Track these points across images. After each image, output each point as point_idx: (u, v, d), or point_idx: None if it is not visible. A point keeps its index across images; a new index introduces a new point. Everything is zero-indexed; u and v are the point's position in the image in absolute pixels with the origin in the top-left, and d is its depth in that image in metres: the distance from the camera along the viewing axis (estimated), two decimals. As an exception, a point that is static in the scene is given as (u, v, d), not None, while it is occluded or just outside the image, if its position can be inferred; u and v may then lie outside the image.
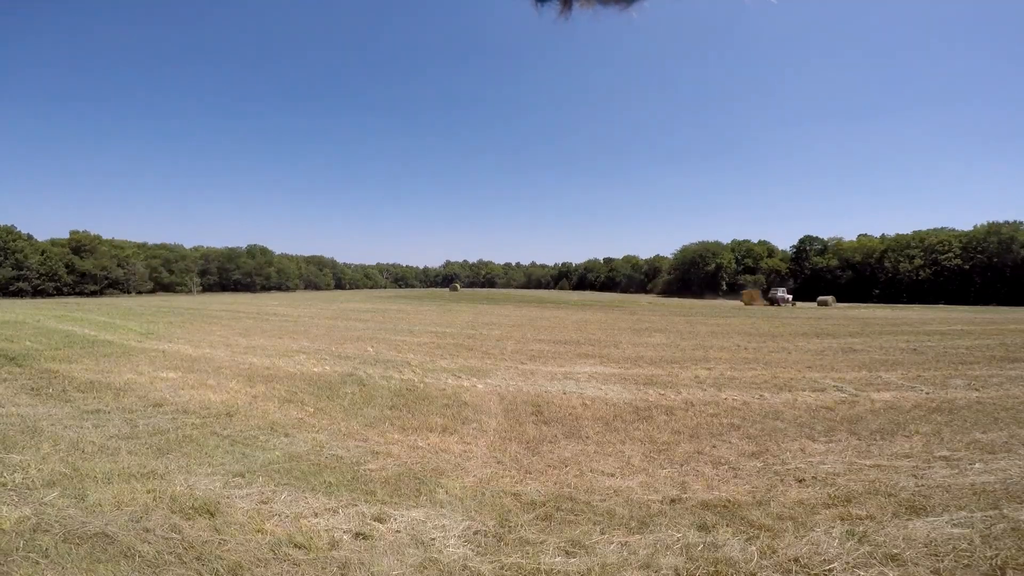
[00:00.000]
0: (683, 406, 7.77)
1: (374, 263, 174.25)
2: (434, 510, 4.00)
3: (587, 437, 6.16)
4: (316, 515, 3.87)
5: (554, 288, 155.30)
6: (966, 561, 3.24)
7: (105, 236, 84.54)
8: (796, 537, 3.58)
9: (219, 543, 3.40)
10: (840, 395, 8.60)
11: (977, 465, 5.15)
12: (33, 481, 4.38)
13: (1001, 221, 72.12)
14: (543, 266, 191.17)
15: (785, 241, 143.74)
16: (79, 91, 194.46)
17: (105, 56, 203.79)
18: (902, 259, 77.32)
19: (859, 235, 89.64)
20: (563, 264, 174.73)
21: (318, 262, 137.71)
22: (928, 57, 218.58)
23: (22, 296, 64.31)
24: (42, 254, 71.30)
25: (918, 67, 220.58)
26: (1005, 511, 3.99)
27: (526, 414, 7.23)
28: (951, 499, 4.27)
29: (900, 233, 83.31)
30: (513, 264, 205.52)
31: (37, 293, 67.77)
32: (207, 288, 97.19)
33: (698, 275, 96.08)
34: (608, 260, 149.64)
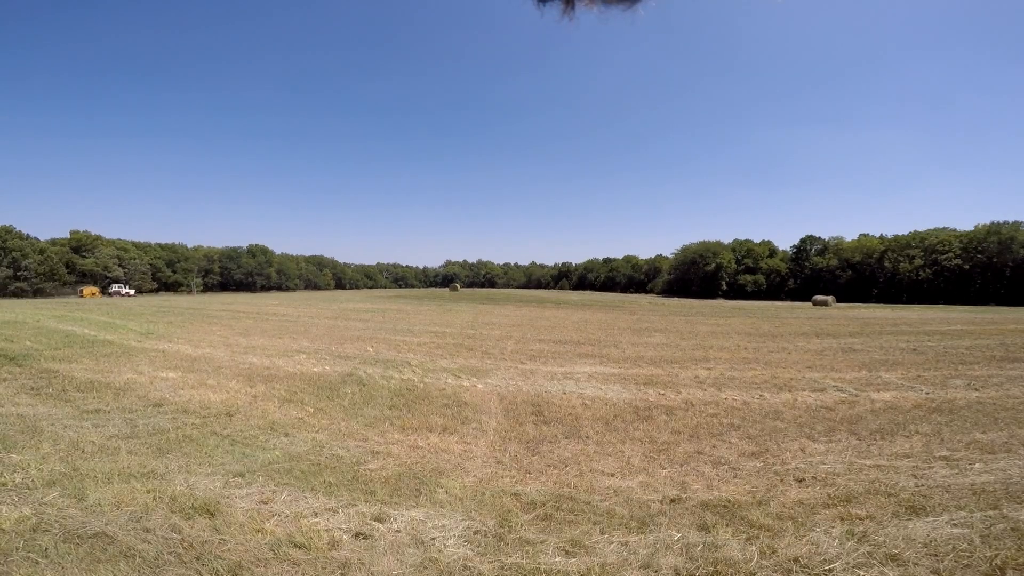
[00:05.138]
0: (683, 406, 7.77)
1: (374, 263, 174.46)
2: (434, 510, 4.00)
3: (587, 437, 6.16)
4: (316, 515, 3.87)
5: (554, 288, 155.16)
6: (966, 561, 3.23)
7: (106, 236, 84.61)
8: (796, 537, 3.58)
9: (219, 543, 3.39)
10: (840, 395, 8.60)
11: (977, 465, 5.15)
12: (33, 481, 4.38)
13: (1001, 221, 72.01)
14: (543, 266, 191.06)
15: (786, 241, 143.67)
16: (80, 90, 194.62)
17: (106, 55, 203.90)
18: (902, 259, 77.19)
19: (859, 235, 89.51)
20: (563, 264, 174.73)
21: (318, 262, 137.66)
22: (928, 57, 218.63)
23: (22, 296, 64.27)
24: (41, 253, 71.18)
25: (918, 66, 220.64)
26: (1005, 511, 3.99)
27: (526, 414, 7.22)
28: (951, 499, 4.27)
29: (900, 233, 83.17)
30: (513, 264, 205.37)
31: (37, 293, 67.69)
32: (208, 288, 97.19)
33: (698, 275, 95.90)
34: (608, 260, 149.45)
